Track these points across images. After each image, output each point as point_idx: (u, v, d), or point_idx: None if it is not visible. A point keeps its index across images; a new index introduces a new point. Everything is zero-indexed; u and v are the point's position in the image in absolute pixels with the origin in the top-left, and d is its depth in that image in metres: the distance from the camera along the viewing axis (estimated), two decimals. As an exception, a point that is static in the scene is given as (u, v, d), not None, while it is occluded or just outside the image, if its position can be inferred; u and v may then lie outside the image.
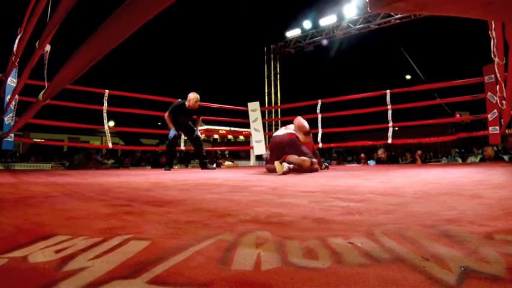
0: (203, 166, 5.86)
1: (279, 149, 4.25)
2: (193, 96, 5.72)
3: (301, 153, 4.15)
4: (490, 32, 3.21)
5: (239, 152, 16.14)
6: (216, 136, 32.71)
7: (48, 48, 2.49)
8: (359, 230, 0.91)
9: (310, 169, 4.18)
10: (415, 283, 0.56)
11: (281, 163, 3.93)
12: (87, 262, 0.68)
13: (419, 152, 8.58)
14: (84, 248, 0.77)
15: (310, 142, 4.62)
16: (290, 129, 4.44)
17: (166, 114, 5.82)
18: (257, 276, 0.60)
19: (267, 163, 4.53)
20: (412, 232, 0.87)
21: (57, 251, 0.75)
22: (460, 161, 11.31)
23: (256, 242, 0.82)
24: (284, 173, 3.76)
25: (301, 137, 4.36)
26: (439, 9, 0.71)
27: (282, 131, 4.44)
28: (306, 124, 4.41)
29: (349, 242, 0.79)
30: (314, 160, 4.24)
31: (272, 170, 4.13)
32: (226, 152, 12.72)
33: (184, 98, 5.85)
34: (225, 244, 0.80)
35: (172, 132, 5.71)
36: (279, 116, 14.16)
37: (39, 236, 0.88)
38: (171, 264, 0.66)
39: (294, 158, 4.10)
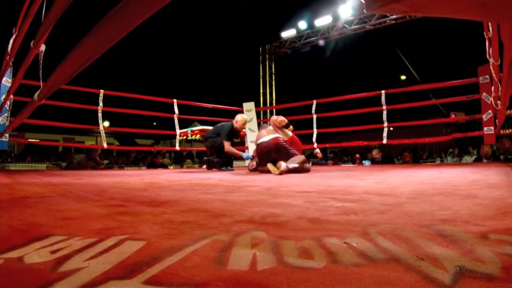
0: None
1: (266, 155, 4.23)
2: (241, 118, 5.58)
3: (289, 156, 4.14)
4: (485, 32, 3.23)
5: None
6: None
7: (43, 48, 2.47)
8: (354, 230, 0.92)
9: (307, 169, 4.20)
10: (410, 283, 0.56)
11: (275, 165, 3.93)
12: (83, 263, 0.68)
13: (406, 153, 8.66)
14: (80, 249, 0.77)
15: (298, 140, 4.62)
16: (272, 132, 4.38)
17: (228, 144, 5.36)
18: (253, 276, 0.60)
19: (255, 169, 4.55)
20: (407, 232, 0.87)
21: (53, 252, 0.75)
22: (455, 160, 11.37)
23: (251, 242, 0.81)
24: (281, 173, 3.76)
25: (284, 134, 4.36)
26: (434, 11, 0.71)
27: (266, 137, 4.32)
28: (281, 118, 4.40)
29: (345, 242, 0.79)
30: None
31: (265, 171, 4.13)
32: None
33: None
34: (221, 244, 0.80)
35: (247, 155, 5.43)
36: (274, 116, 14.08)
37: (35, 236, 0.88)
38: (166, 265, 0.66)
39: (296, 159, 4.10)
